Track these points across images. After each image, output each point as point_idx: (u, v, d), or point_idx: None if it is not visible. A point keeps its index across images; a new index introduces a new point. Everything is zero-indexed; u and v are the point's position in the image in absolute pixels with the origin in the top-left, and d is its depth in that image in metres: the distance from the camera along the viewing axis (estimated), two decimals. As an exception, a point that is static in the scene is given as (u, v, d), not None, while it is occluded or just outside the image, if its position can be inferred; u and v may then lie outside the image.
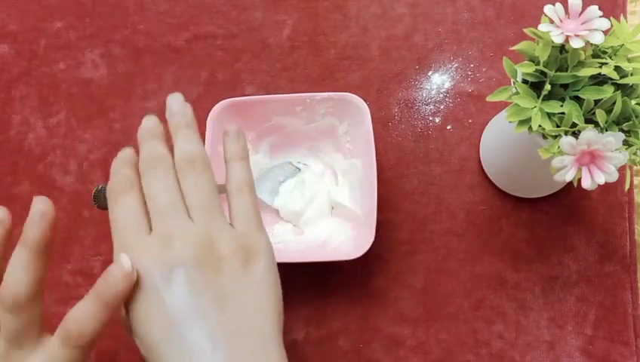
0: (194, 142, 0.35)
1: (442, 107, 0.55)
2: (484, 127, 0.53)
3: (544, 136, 0.39)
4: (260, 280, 0.32)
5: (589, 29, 0.35)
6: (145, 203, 0.33)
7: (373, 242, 0.46)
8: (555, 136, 0.37)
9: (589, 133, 0.34)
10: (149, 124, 0.36)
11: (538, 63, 0.38)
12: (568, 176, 0.35)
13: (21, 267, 0.33)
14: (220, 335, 0.30)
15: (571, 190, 0.52)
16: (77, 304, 0.32)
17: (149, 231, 0.32)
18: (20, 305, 0.33)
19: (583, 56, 0.37)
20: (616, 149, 0.35)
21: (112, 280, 0.31)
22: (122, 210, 0.33)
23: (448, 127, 0.54)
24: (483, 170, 0.53)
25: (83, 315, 0.31)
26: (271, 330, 0.32)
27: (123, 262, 0.31)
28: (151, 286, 0.30)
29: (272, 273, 0.34)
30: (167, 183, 0.33)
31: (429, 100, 0.55)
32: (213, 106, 0.50)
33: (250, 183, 0.36)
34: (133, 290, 0.31)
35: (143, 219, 0.33)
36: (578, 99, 0.38)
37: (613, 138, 0.34)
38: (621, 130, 0.37)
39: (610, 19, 0.37)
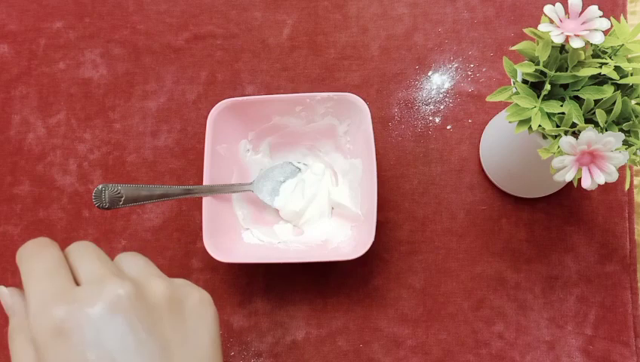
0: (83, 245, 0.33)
1: (442, 107, 0.55)
2: (484, 127, 0.53)
3: (544, 136, 0.39)
4: (202, 333, 0.30)
5: (589, 29, 0.35)
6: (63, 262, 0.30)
7: (373, 242, 0.46)
8: (555, 136, 0.37)
9: (589, 133, 0.34)
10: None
11: (538, 63, 0.38)
12: (568, 176, 0.35)
13: None
14: None
15: (571, 190, 0.52)
16: None
17: (73, 282, 0.29)
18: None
19: (582, 56, 0.37)
20: (616, 149, 0.35)
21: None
22: (38, 263, 0.29)
23: (448, 127, 0.54)
24: (483, 170, 0.53)
25: None
26: None
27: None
28: (86, 331, 0.26)
29: (213, 325, 0.31)
30: (94, 248, 0.32)
31: (429, 100, 0.55)
32: (213, 106, 0.50)
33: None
34: (53, 340, 0.26)
35: (67, 272, 0.29)
36: (578, 99, 0.38)
37: (613, 138, 0.34)
38: (621, 130, 0.37)
39: (610, 19, 0.37)
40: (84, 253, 0.30)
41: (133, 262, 0.31)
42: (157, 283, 0.29)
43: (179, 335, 0.28)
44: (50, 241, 0.31)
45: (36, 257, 0.29)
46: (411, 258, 0.52)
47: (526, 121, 0.37)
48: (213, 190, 0.48)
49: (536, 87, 0.39)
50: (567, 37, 0.35)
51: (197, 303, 0.30)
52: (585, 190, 0.45)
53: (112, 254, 0.53)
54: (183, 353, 0.27)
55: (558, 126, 0.37)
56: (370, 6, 0.57)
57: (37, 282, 0.28)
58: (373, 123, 0.48)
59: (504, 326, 0.50)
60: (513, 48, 0.39)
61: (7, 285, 0.53)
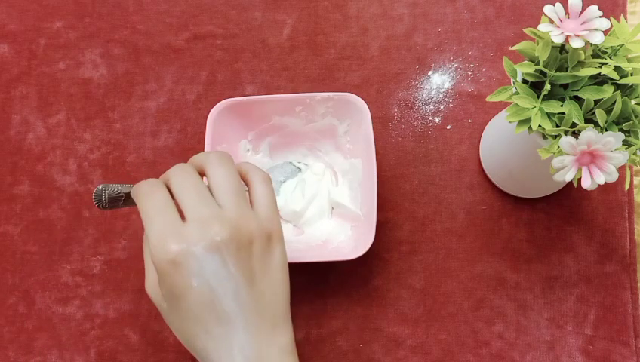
0: (216, 153, 0.38)
1: (442, 107, 0.55)
2: (484, 127, 0.53)
3: (544, 136, 0.39)
4: (277, 263, 0.37)
5: (588, 29, 0.35)
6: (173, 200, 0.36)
7: (373, 242, 0.46)
8: (555, 136, 0.37)
9: (589, 133, 0.34)
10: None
11: (538, 63, 0.38)
12: (568, 176, 0.35)
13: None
14: (248, 308, 0.34)
15: (571, 190, 0.52)
16: None
17: (181, 220, 0.35)
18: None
19: (582, 56, 0.37)
20: (616, 149, 0.35)
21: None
22: (152, 202, 0.35)
23: (448, 127, 0.54)
24: (483, 170, 0.53)
25: None
26: (286, 307, 0.37)
27: None
28: (192, 264, 0.33)
29: (285, 256, 0.38)
30: (193, 180, 0.36)
31: (429, 100, 0.55)
32: (213, 106, 0.50)
33: (270, 179, 0.40)
34: (169, 267, 0.33)
35: (174, 210, 0.35)
36: (578, 99, 0.38)
37: (613, 138, 0.34)
38: (621, 130, 0.37)
39: (610, 19, 0.37)
40: (184, 188, 0.36)
41: (228, 192, 0.36)
42: (247, 226, 0.35)
43: (261, 265, 0.35)
44: (158, 182, 0.37)
45: (149, 197, 0.36)
46: (411, 258, 0.52)
47: (526, 121, 0.37)
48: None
49: (536, 87, 0.39)
50: (567, 37, 0.35)
51: (276, 239, 0.37)
52: (585, 190, 0.45)
53: (111, 253, 0.53)
54: (264, 279, 0.36)
55: (558, 126, 0.37)
56: (370, 6, 0.57)
57: (152, 219, 0.35)
58: (373, 123, 0.48)
59: (504, 326, 0.50)
60: (513, 48, 0.39)
61: (7, 285, 0.53)
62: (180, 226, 0.34)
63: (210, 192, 0.36)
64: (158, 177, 0.38)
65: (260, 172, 0.39)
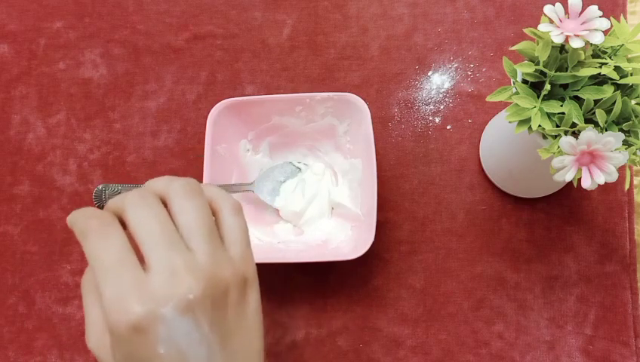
0: (181, 181, 0.32)
1: (442, 107, 0.55)
2: (484, 127, 0.53)
3: (544, 136, 0.39)
4: (252, 310, 0.32)
5: (588, 29, 0.35)
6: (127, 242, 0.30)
7: (373, 242, 0.46)
8: (555, 136, 0.37)
9: (588, 133, 0.34)
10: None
11: (538, 63, 0.38)
12: (568, 176, 0.35)
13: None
14: None
15: (571, 190, 0.52)
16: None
17: (142, 269, 0.29)
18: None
19: (582, 56, 0.37)
20: (616, 149, 0.35)
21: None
22: (106, 248, 0.29)
23: (448, 127, 0.54)
24: (483, 170, 0.53)
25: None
26: (259, 357, 0.32)
27: None
28: (160, 330, 0.28)
29: (259, 298, 0.33)
30: (158, 215, 0.30)
31: (429, 100, 0.55)
32: (213, 106, 0.50)
33: (241, 207, 0.34)
34: (130, 333, 0.28)
35: (134, 258, 0.29)
36: (578, 99, 0.38)
37: (613, 138, 0.34)
38: (621, 130, 0.37)
39: (610, 19, 0.37)
40: (147, 225, 0.30)
41: (199, 232, 0.31)
42: (223, 273, 0.30)
43: (236, 317, 0.31)
44: (108, 217, 0.30)
45: (100, 240, 0.29)
46: (411, 258, 0.52)
47: (526, 121, 0.37)
48: (213, 190, 0.48)
49: (536, 87, 0.39)
50: (567, 37, 0.35)
51: (251, 282, 0.32)
52: (585, 190, 0.45)
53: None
54: (239, 333, 0.31)
55: (558, 126, 0.37)
56: (370, 6, 0.57)
57: (108, 272, 0.29)
58: (373, 123, 0.48)
59: (504, 326, 0.50)
60: (513, 48, 0.39)
61: (7, 285, 0.53)
62: (143, 280, 0.28)
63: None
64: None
65: (230, 199, 0.33)
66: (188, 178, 0.33)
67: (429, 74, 0.56)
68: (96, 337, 0.31)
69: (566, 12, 0.37)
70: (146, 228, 0.29)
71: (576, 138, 0.35)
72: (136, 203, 0.30)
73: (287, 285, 0.52)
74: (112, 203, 0.31)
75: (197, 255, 0.30)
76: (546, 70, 0.37)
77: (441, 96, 0.55)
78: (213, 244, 0.31)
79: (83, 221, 0.30)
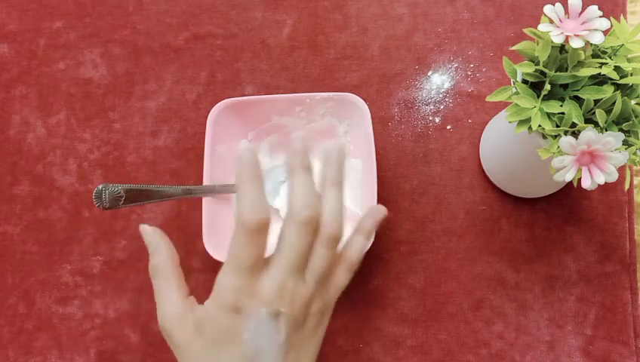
0: (337, 208, 0.36)
1: (442, 107, 0.55)
2: (484, 127, 0.53)
3: (544, 136, 0.39)
4: (319, 338, 0.38)
5: (588, 29, 0.35)
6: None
7: (374, 242, 0.46)
8: (555, 136, 0.37)
9: (588, 133, 0.34)
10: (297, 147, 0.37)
11: (538, 63, 0.38)
12: (568, 176, 0.35)
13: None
14: None
15: (571, 190, 0.52)
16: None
17: (263, 266, 0.35)
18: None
19: (582, 56, 0.37)
20: (616, 149, 0.35)
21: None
22: (242, 263, 0.34)
23: (448, 127, 0.54)
24: (483, 170, 0.53)
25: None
26: None
27: None
28: (252, 320, 0.34)
29: (325, 329, 0.39)
30: (305, 240, 0.35)
31: (429, 100, 0.55)
32: (213, 106, 0.50)
33: (357, 263, 0.39)
34: (229, 310, 0.34)
35: (262, 262, 0.35)
36: (578, 99, 0.38)
37: (613, 138, 0.34)
38: (621, 130, 0.37)
39: (610, 19, 0.37)
40: (290, 244, 0.35)
41: (318, 273, 0.36)
42: (312, 305, 0.36)
43: (304, 338, 0.36)
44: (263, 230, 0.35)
45: (246, 246, 0.34)
46: (411, 258, 0.52)
47: (526, 121, 0.37)
48: (213, 190, 0.48)
49: (536, 87, 0.39)
50: (567, 37, 0.35)
51: (327, 316, 0.39)
52: (585, 190, 0.45)
53: (111, 253, 0.53)
54: (301, 351, 0.36)
55: (558, 126, 0.37)
56: (370, 6, 0.57)
57: (228, 276, 0.34)
58: (373, 123, 0.48)
59: (504, 326, 0.50)
60: (513, 48, 0.39)
61: (7, 285, 0.53)
62: (259, 272, 0.34)
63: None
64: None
65: (357, 258, 0.39)
66: (340, 225, 0.36)
67: (429, 74, 0.56)
68: (170, 315, 0.35)
69: (566, 12, 0.37)
70: (288, 245, 0.35)
71: (576, 138, 0.35)
72: (293, 231, 0.35)
73: (287, 285, 0.52)
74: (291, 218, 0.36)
75: (305, 286, 0.35)
76: (546, 70, 0.37)
77: (441, 96, 0.55)
78: (318, 286, 0.36)
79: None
